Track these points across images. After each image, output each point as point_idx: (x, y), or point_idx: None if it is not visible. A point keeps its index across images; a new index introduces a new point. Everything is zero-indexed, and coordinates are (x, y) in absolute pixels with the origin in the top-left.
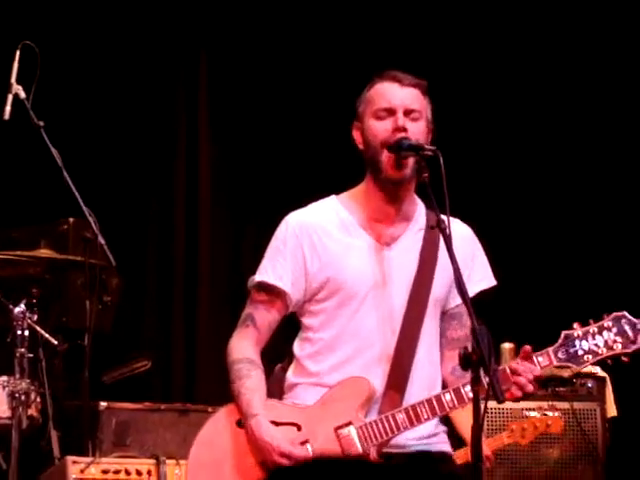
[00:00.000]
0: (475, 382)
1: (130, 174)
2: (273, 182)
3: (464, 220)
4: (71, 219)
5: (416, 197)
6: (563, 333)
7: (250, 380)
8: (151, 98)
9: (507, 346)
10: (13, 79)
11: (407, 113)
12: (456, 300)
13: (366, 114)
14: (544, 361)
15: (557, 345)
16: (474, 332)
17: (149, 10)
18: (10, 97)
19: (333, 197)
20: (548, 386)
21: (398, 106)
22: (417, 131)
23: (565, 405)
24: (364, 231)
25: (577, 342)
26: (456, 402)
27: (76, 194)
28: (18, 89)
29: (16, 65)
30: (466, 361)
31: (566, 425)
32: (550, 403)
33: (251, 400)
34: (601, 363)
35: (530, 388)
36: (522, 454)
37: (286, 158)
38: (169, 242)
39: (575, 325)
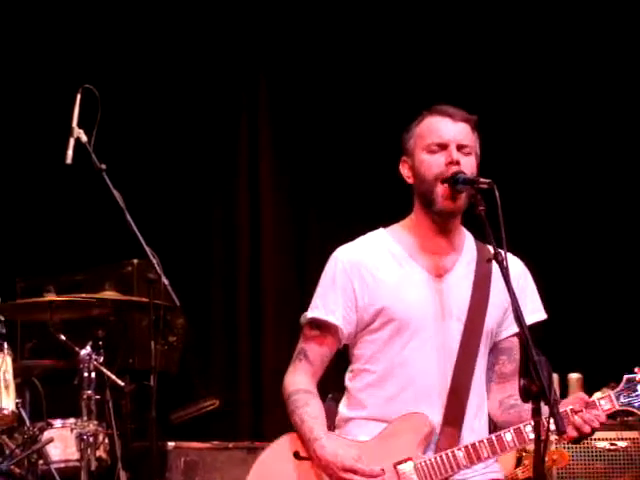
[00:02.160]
0: (536, 414)
1: (193, 213)
2: (337, 209)
3: (520, 252)
4: (135, 260)
5: (463, 229)
6: (625, 377)
7: (309, 407)
8: (212, 139)
9: (574, 376)
10: (74, 123)
11: (459, 148)
12: (505, 333)
13: (417, 148)
14: (606, 404)
15: (619, 389)
16: (534, 363)
17: (206, 44)
18: (72, 141)
19: (381, 230)
20: (616, 416)
21: (451, 141)
22: (469, 165)
23: (634, 434)
24: (415, 262)
25: (639, 387)
26: (517, 442)
27: (139, 235)
28: (79, 133)
29: (77, 109)
30: (526, 393)
31: (636, 454)
32: (619, 433)
33: (313, 426)
34: None
35: (587, 429)
36: None
37: (347, 178)
38: (233, 281)
39: (637, 369)
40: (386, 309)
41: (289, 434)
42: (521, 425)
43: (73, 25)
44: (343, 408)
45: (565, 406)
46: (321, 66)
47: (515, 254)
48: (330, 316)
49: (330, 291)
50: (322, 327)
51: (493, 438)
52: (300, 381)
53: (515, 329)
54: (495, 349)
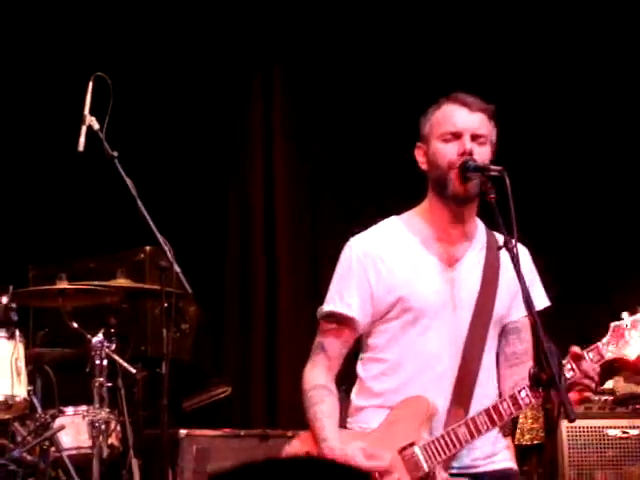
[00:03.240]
0: (546, 401)
1: (206, 200)
2: (353, 206)
3: (528, 238)
4: (147, 248)
5: (476, 218)
6: (612, 325)
7: (323, 405)
8: (224, 123)
9: None
10: (86, 111)
11: (474, 138)
12: (514, 315)
13: (432, 136)
14: (595, 357)
15: (606, 339)
16: (544, 351)
17: (220, 28)
18: (84, 129)
19: (394, 218)
20: (628, 404)
21: (465, 130)
22: (483, 155)
23: None
24: (428, 251)
25: (626, 333)
26: (513, 409)
27: (150, 223)
28: (92, 120)
29: (89, 97)
30: (536, 380)
31: None
32: (631, 421)
33: (324, 425)
34: None
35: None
36: (604, 472)
37: (361, 163)
38: (248, 269)
39: (624, 314)
40: (402, 299)
41: (300, 435)
42: (516, 392)
43: (85, 13)
44: (355, 397)
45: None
46: (336, 50)
47: (523, 241)
48: (347, 309)
49: (346, 283)
50: (339, 320)
51: (490, 409)
52: (317, 376)
53: (524, 311)
54: (504, 331)
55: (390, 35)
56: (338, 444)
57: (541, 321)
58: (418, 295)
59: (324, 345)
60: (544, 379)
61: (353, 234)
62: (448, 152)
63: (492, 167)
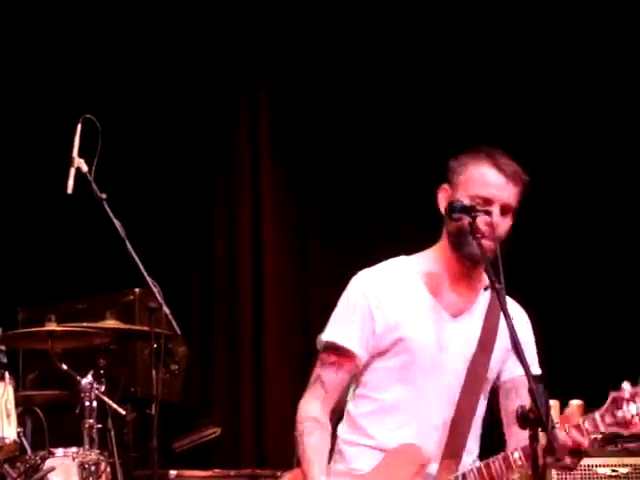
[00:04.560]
0: (533, 440)
1: (194, 240)
2: (343, 236)
3: (519, 282)
4: (137, 289)
5: (484, 273)
6: (611, 395)
7: (312, 438)
8: (212, 166)
9: (575, 403)
10: (75, 153)
11: (502, 208)
12: (508, 374)
13: (462, 189)
14: (590, 427)
15: (604, 409)
16: (531, 391)
17: (204, 43)
18: (72, 171)
19: (403, 258)
20: (617, 442)
21: (497, 201)
22: (505, 227)
23: (636, 460)
24: (434, 298)
25: (625, 405)
26: (504, 469)
27: (139, 264)
28: (80, 163)
29: (77, 139)
30: (524, 419)
31: None
32: (620, 459)
33: (312, 462)
34: None
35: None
36: None
37: (349, 175)
38: (236, 310)
39: (624, 385)
40: (402, 341)
41: (290, 473)
42: (509, 452)
43: (73, 54)
44: (343, 431)
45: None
46: (322, 58)
47: (516, 296)
48: (347, 343)
49: (349, 317)
50: (339, 353)
51: (482, 467)
52: (312, 409)
53: (517, 373)
54: (502, 390)
55: (377, 57)
56: None
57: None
58: (417, 340)
59: (322, 377)
60: (532, 418)
61: (343, 267)
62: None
63: (478, 208)
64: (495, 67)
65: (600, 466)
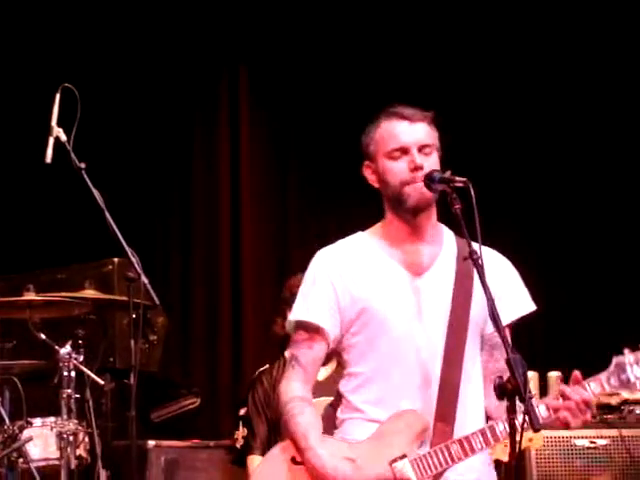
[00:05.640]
0: (511, 411)
1: (173, 210)
2: (322, 213)
3: (500, 250)
4: (116, 259)
5: (441, 225)
6: (614, 359)
7: (303, 416)
8: (192, 134)
9: (554, 374)
10: (54, 122)
11: (420, 149)
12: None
13: (379, 155)
14: (596, 387)
15: (609, 372)
16: (509, 362)
17: (185, 29)
18: (51, 140)
19: (360, 233)
20: (596, 414)
21: (411, 144)
22: (432, 165)
23: (614, 432)
24: (395, 262)
25: (628, 368)
26: (507, 433)
27: (118, 234)
28: (59, 132)
29: (56, 108)
30: (501, 391)
31: (615, 452)
32: (598, 431)
33: (307, 434)
34: None
35: (582, 416)
36: None
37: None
38: (215, 280)
39: (626, 351)
40: (365, 310)
41: (282, 442)
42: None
43: (51, 24)
44: (338, 412)
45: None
46: (302, 36)
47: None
48: (315, 318)
49: (312, 293)
50: (309, 330)
51: (486, 429)
52: (295, 389)
53: (505, 322)
54: (487, 345)
55: (357, 33)
56: (326, 452)
57: (533, 329)
58: (381, 306)
59: (297, 357)
60: (509, 389)
61: (322, 245)
62: (398, 170)
63: (457, 178)
64: (490, 64)
65: (578, 438)
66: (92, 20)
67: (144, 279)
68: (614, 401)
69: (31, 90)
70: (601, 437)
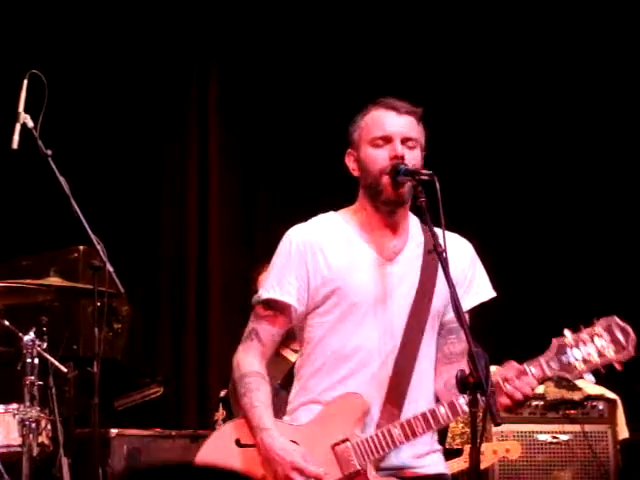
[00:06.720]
0: (473, 405)
1: (140, 199)
2: (288, 204)
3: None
4: (81, 247)
5: (410, 213)
6: (554, 342)
7: (260, 393)
8: (160, 125)
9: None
10: (21, 108)
11: (404, 141)
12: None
13: (362, 142)
14: (537, 372)
15: (549, 355)
16: (471, 355)
17: (156, 31)
18: (18, 126)
19: (333, 213)
20: (559, 409)
21: (395, 134)
22: (413, 159)
23: (576, 428)
24: (367, 245)
25: (569, 351)
26: (451, 415)
27: (84, 222)
28: (26, 118)
29: (24, 94)
30: (463, 384)
31: (577, 448)
32: (561, 426)
33: (262, 414)
34: (594, 371)
35: (519, 395)
36: (534, 477)
37: (296, 152)
38: (180, 269)
39: (566, 332)
40: (337, 290)
41: (232, 421)
42: (454, 398)
43: (20, 11)
44: (294, 394)
45: (498, 375)
46: (273, 39)
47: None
48: (285, 296)
49: (284, 271)
50: (276, 307)
51: (427, 413)
52: (252, 363)
53: (465, 308)
54: (444, 329)
55: (326, 26)
56: (278, 435)
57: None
58: (352, 288)
59: (258, 332)
60: (471, 382)
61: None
62: (379, 157)
63: (423, 171)
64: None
65: (541, 433)
66: (60, 6)
67: (109, 267)
68: (577, 397)
69: None
70: (563, 432)
